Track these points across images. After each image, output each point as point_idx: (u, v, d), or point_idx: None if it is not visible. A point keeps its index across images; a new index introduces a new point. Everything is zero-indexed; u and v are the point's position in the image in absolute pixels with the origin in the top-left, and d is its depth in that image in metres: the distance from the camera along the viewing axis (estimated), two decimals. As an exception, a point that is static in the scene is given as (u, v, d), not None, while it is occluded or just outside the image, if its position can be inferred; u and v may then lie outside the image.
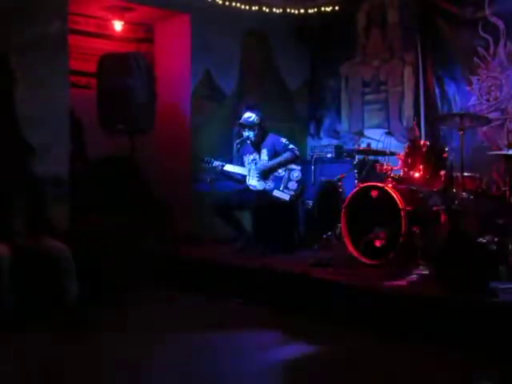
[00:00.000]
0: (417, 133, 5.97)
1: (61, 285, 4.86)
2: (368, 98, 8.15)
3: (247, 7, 7.68)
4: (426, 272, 4.99)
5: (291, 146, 6.46)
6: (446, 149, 5.79)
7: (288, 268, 5.59)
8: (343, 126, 8.39)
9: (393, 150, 6.47)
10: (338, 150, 7.55)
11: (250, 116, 6.51)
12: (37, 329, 4.58)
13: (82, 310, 4.87)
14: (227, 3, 7.51)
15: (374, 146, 6.63)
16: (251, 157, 6.58)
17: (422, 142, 5.82)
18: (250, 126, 6.48)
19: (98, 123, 6.61)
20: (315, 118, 8.73)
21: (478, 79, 6.95)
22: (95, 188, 6.50)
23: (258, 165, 6.48)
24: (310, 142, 8.68)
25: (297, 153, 6.48)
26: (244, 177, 6.52)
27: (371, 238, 5.45)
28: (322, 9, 8.02)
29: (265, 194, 6.41)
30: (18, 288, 4.68)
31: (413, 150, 5.79)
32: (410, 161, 5.76)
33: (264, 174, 6.40)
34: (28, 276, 4.83)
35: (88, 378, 3.80)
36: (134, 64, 6.54)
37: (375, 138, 7.02)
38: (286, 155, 6.42)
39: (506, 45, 6.69)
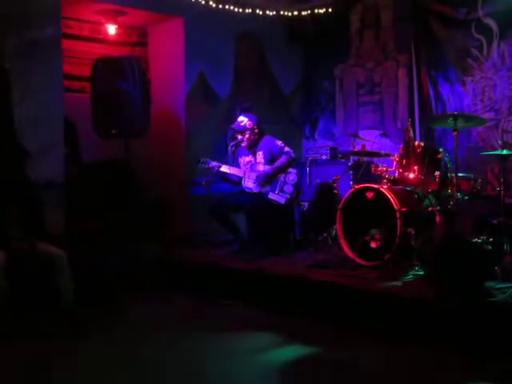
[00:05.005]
0: (411, 134, 5.97)
1: (57, 288, 4.86)
2: (362, 99, 8.16)
3: (241, 10, 7.68)
4: (422, 273, 4.99)
5: (287, 149, 6.46)
6: (440, 150, 5.80)
7: (286, 270, 5.60)
8: (338, 128, 8.40)
9: (387, 151, 6.49)
10: (333, 151, 7.56)
11: (242, 121, 6.53)
12: (33, 332, 4.60)
13: (79, 313, 4.87)
14: (220, 6, 7.50)
15: (368, 147, 6.65)
16: (246, 159, 6.58)
17: (416, 143, 5.82)
18: (241, 131, 6.50)
19: (93, 127, 6.60)
20: (310, 120, 8.75)
21: (472, 80, 6.97)
22: (90, 192, 6.49)
23: (254, 168, 6.48)
24: (306, 143, 8.69)
25: (292, 155, 6.47)
26: (240, 178, 6.52)
27: (367, 240, 5.45)
28: (316, 11, 8.02)
29: (260, 196, 6.41)
30: (14, 292, 4.69)
31: (407, 150, 5.81)
32: (404, 162, 5.77)
33: (263, 183, 6.38)
34: (24, 280, 4.83)
35: (86, 379, 3.81)
36: (127, 68, 6.53)
37: (370, 139, 7.05)
38: (282, 159, 6.41)
39: (499, 45, 6.72)
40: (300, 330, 4.72)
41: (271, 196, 6.35)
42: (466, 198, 5.51)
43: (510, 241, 5.16)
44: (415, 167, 5.70)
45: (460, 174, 5.43)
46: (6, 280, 4.64)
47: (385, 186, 5.58)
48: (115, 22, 7.50)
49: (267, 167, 6.43)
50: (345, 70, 8.32)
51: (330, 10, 8.02)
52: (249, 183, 6.46)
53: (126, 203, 6.49)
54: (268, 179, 6.39)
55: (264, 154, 6.51)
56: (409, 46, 7.53)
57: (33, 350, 4.27)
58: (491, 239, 5.00)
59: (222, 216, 6.46)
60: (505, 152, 5.31)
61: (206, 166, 6.52)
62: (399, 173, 5.78)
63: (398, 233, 5.29)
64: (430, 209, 5.55)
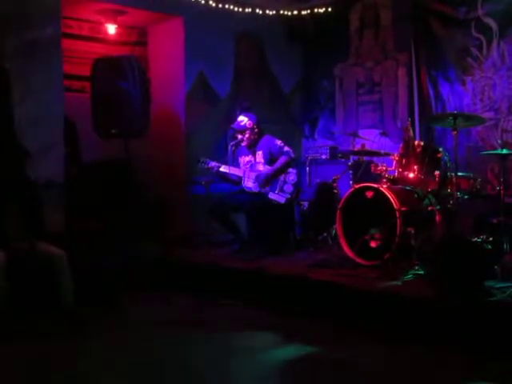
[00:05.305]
0: (411, 133, 5.98)
1: (57, 288, 4.87)
2: (362, 98, 8.16)
3: (240, 9, 7.68)
4: (422, 272, 4.99)
5: (286, 149, 6.46)
6: (440, 149, 5.79)
7: (286, 270, 5.60)
8: (338, 127, 8.40)
9: (387, 150, 6.49)
10: (333, 150, 7.56)
11: (241, 120, 6.53)
12: (33, 332, 4.60)
13: (79, 313, 4.88)
14: (220, 5, 7.50)
15: (368, 146, 6.66)
16: (246, 159, 6.58)
17: (416, 143, 5.82)
18: (241, 130, 6.50)
19: (93, 127, 6.61)
20: (310, 119, 8.75)
21: (472, 79, 6.97)
22: (90, 192, 6.50)
23: (254, 168, 6.48)
24: (305, 143, 8.69)
25: (292, 155, 6.47)
26: (240, 178, 6.52)
27: (366, 239, 5.45)
28: (315, 10, 8.02)
29: (260, 196, 6.41)
30: (14, 292, 4.69)
31: (407, 150, 5.80)
32: (404, 161, 5.77)
33: (264, 184, 6.38)
34: (24, 280, 4.84)
35: (86, 379, 3.81)
36: (127, 67, 6.53)
37: (370, 138, 7.05)
38: (282, 160, 6.41)
39: (499, 45, 6.72)
40: (300, 329, 4.72)
41: (271, 196, 6.36)
42: (466, 197, 5.51)
43: (510, 240, 5.16)
44: (415, 166, 5.70)
45: (460, 174, 5.43)
46: (6, 280, 4.64)
47: (384, 186, 5.58)
48: (115, 22, 7.50)
49: (267, 168, 6.43)
50: (344, 69, 8.32)
51: (329, 9, 8.02)
52: (248, 183, 6.47)
53: (126, 203, 6.49)
54: (269, 180, 6.39)
55: (264, 153, 6.51)
56: (408, 46, 7.53)
57: (33, 350, 4.27)
58: (491, 238, 5.00)
59: (221, 216, 6.47)
60: (504, 151, 5.31)
61: (206, 166, 6.52)
62: (399, 172, 5.77)
63: (398, 232, 5.30)
64: (429, 208, 5.55)
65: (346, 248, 5.65)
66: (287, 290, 5.29)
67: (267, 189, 6.38)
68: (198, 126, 7.68)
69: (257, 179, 6.40)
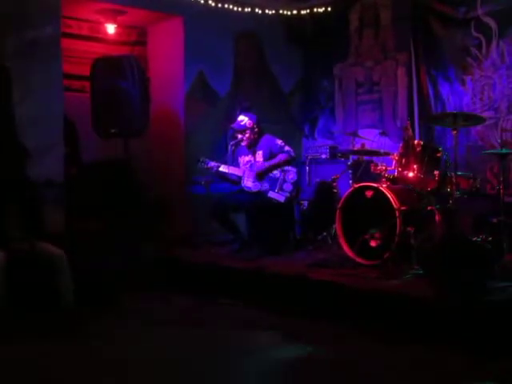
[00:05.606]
0: (411, 133, 5.98)
1: (57, 288, 4.87)
2: (362, 98, 8.16)
3: (240, 9, 7.68)
4: (421, 271, 5.00)
5: (287, 148, 6.46)
6: (440, 148, 5.80)
7: (286, 269, 5.60)
8: (337, 127, 8.40)
9: (387, 149, 6.49)
10: (333, 150, 7.56)
11: (242, 120, 6.53)
12: (33, 332, 4.59)
13: (79, 313, 4.88)
14: (220, 5, 7.49)
15: (368, 146, 6.66)
16: (246, 158, 6.58)
17: (415, 142, 5.82)
18: (241, 130, 6.50)
19: (92, 127, 6.61)
20: (310, 119, 8.75)
21: (471, 79, 6.98)
22: (90, 191, 6.50)
23: (254, 168, 6.48)
24: (305, 142, 8.69)
25: (292, 154, 6.47)
26: (239, 178, 6.52)
27: (366, 239, 5.45)
28: (315, 10, 8.03)
29: (260, 195, 6.41)
30: (14, 292, 4.69)
31: (407, 149, 5.80)
32: (404, 161, 5.77)
33: (259, 176, 6.41)
34: (24, 280, 4.84)
35: (86, 379, 3.82)
36: (127, 67, 6.54)
37: (369, 138, 7.05)
38: (282, 157, 6.42)
39: (498, 44, 6.72)
40: (300, 329, 4.72)
41: (271, 194, 6.35)
42: (466, 196, 5.51)
43: (510, 239, 5.16)
44: (415, 166, 5.70)
45: (459, 173, 5.42)
46: (6, 280, 4.64)
47: (384, 185, 5.58)
48: (114, 22, 7.50)
49: (266, 163, 6.44)
50: (344, 69, 8.32)
51: (329, 8, 8.02)
52: (248, 182, 6.46)
53: (126, 203, 6.49)
54: (265, 172, 6.38)
55: (264, 153, 6.50)
56: (408, 45, 7.52)
57: (33, 350, 4.27)
58: (490, 238, 5.00)
59: (222, 216, 6.47)
60: (504, 151, 5.31)
61: (205, 165, 6.52)
62: (398, 172, 5.77)
63: (398, 232, 5.30)
64: (429, 207, 5.55)
65: (345, 247, 5.66)
66: (287, 290, 5.29)
67: (267, 187, 6.38)
68: (197, 126, 7.68)
69: (256, 176, 6.41)
